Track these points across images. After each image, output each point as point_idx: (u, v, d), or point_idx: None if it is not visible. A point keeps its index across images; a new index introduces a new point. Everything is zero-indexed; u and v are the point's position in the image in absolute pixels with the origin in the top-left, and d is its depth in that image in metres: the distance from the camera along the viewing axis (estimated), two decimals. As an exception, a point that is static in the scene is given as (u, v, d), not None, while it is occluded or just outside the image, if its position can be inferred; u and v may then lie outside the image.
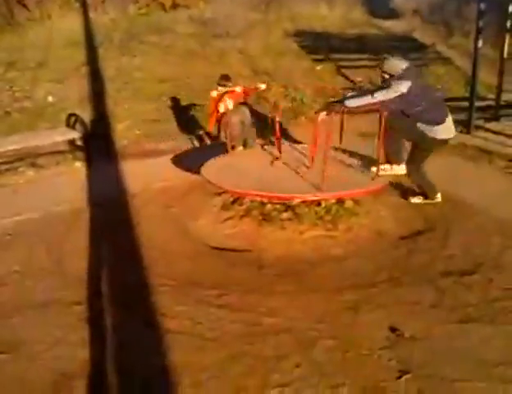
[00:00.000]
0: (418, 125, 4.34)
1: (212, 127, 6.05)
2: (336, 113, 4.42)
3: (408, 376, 2.60)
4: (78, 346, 2.88)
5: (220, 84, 5.89)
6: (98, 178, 5.68)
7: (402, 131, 4.49)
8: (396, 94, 4.17)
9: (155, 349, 2.86)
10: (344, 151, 5.03)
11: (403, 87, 4.17)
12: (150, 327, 3.06)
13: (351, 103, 4.31)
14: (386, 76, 4.33)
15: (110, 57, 8.66)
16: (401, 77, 4.21)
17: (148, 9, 11.15)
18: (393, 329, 3.00)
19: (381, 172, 4.42)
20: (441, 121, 4.34)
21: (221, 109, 5.60)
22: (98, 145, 6.59)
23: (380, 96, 4.20)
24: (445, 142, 4.50)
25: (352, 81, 9.82)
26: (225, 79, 5.94)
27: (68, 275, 3.73)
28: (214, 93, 5.84)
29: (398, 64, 4.28)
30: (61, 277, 3.71)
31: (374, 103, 4.24)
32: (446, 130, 4.40)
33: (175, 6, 11.47)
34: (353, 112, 4.58)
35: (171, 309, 3.21)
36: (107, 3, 10.70)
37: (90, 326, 3.08)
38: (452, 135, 4.48)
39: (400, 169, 4.68)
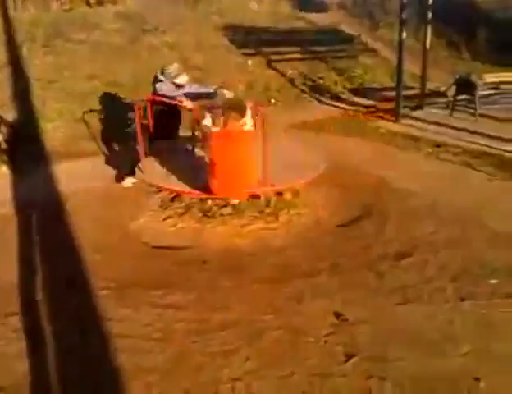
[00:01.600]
0: None
1: None
2: None
3: (354, 359, 2.67)
4: (16, 359, 2.74)
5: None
6: (29, 182, 5.42)
7: None
8: None
9: (102, 354, 2.77)
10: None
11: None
12: (95, 332, 2.96)
13: None
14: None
15: (34, 56, 8.27)
16: None
17: (71, 5, 10.74)
18: (337, 315, 3.07)
19: None
20: None
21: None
22: (26, 147, 6.29)
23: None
24: None
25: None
26: None
27: (0, 284, 3.54)
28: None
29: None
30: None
31: None
32: None
33: (100, 1, 11.12)
34: None
35: (115, 313, 3.13)
36: (27, 0, 10.22)
37: (28, 337, 2.94)
38: None
39: None
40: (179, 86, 5.28)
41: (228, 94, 5.28)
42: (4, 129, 6.54)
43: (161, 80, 5.21)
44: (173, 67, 5.35)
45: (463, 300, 3.16)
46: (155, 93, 5.17)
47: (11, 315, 3.15)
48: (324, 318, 3.05)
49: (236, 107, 4.26)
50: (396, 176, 5.13)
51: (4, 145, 6.20)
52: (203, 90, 5.44)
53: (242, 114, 4.24)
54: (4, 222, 4.48)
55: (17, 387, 2.55)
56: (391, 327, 2.93)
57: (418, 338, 2.81)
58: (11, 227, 4.38)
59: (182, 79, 5.38)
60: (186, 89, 5.31)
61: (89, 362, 2.72)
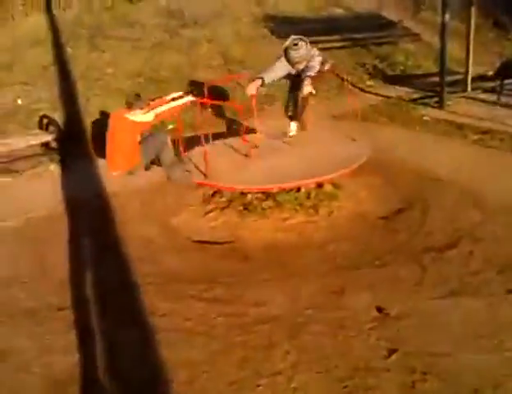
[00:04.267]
0: None
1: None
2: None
3: (397, 354, 2.65)
4: (67, 352, 2.86)
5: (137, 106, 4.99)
6: (76, 179, 5.59)
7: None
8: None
9: (146, 349, 2.86)
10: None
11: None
12: (139, 327, 3.05)
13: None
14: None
15: (78, 55, 8.49)
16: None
17: (113, 2, 10.95)
18: (379, 309, 3.06)
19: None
20: None
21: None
22: (73, 146, 6.49)
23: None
24: None
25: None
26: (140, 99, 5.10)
27: (53, 280, 3.68)
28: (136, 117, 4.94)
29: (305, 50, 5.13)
30: (45, 282, 3.66)
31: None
32: None
33: (141, -3, 11.28)
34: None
35: (158, 307, 3.21)
36: (70, -1, 10.49)
37: (78, 331, 3.06)
38: None
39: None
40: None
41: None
42: (53, 128, 6.76)
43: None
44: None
45: (510, 292, 3.08)
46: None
47: (61, 309, 3.28)
48: (366, 312, 3.04)
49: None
50: (440, 165, 5.01)
51: (54, 144, 6.41)
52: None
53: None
54: (54, 219, 4.64)
55: (67, 380, 2.65)
56: (435, 321, 2.90)
57: (463, 333, 2.77)
58: (61, 224, 4.53)
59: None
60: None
61: (134, 356, 2.81)
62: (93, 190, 5.20)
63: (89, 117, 7.17)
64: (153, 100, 5.23)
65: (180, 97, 5.25)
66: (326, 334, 2.87)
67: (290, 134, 5.43)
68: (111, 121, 5.03)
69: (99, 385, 2.62)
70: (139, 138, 5.01)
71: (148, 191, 5.12)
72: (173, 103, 5.15)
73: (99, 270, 3.74)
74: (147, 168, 5.15)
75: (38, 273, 3.79)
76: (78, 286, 3.55)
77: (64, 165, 5.98)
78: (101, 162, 5.87)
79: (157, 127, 5.61)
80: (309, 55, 5.16)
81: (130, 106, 4.98)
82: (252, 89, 5.12)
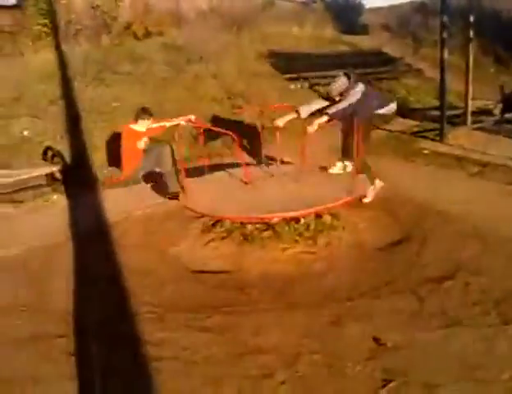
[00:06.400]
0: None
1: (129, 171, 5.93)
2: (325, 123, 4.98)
3: (392, 384, 2.64)
4: (65, 380, 2.86)
5: (140, 118, 5.83)
6: (79, 210, 5.67)
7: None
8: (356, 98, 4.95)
9: (142, 378, 2.85)
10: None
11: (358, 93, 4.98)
12: (136, 356, 3.05)
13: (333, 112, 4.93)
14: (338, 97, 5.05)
15: (85, 89, 8.70)
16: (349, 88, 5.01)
17: (121, 39, 11.24)
18: (376, 340, 3.05)
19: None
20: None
21: (141, 146, 5.69)
22: (76, 177, 6.59)
23: (346, 103, 4.96)
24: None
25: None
26: (145, 112, 5.89)
27: (52, 310, 3.69)
28: (137, 127, 5.84)
29: (340, 83, 5.05)
30: (45, 312, 3.67)
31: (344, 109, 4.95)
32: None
33: (148, 34, 11.58)
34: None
35: (156, 337, 3.21)
36: (79, 35, 10.78)
37: (75, 359, 3.07)
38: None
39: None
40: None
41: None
42: (58, 160, 6.88)
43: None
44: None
45: (506, 324, 3.07)
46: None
47: (60, 337, 3.29)
48: (363, 342, 3.03)
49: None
50: (439, 197, 5.05)
51: (58, 175, 6.51)
52: None
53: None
54: (53, 249, 4.70)
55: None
56: (431, 352, 2.88)
57: (459, 363, 2.75)
58: (61, 254, 4.58)
59: None
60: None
61: (130, 385, 2.81)
62: (95, 220, 5.26)
63: (94, 150, 7.30)
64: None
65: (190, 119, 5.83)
66: (322, 364, 2.86)
67: (330, 170, 5.28)
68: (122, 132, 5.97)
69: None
70: (140, 145, 5.63)
71: (148, 221, 5.19)
72: (172, 122, 5.86)
73: (98, 299, 3.76)
74: (143, 174, 5.90)
75: (37, 303, 3.81)
76: (76, 315, 3.56)
77: (67, 195, 6.07)
78: (104, 193, 5.97)
79: (161, 140, 6.03)
80: (346, 88, 5.05)
81: (137, 118, 5.83)
82: (281, 121, 5.25)
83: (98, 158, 7.20)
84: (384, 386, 2.63)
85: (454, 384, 2.60)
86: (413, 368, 2.76)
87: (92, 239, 4.81)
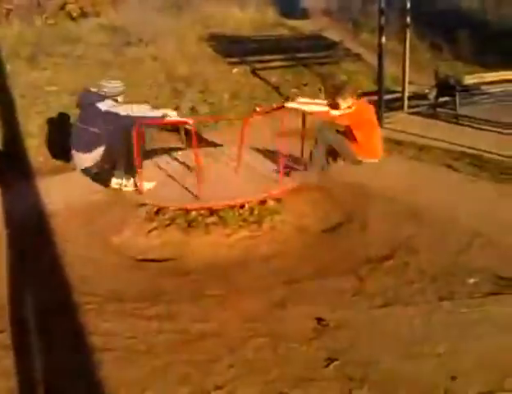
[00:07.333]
0: None
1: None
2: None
3: (336, 363, 2.72)
4: (5, 376, 2.76)
5: None
6: (15, 199, 5.43)
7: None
8: None
9: (86, 368, 2.80)
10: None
11: None
12: (79, 347, 2.99)
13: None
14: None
15: (19, 72, 8.28)
16: None
17: (56, 19, 10.77)
18: (319, 320, 3.13)
19: None
20: None
21: None
22: (11, 164, 6.31)
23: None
24: None
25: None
26: None
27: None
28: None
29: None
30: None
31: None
32: None
33: (83, 14, 11.16)
34: None
35: (99, 327, 3.14)
36: (12, 16, 10.25)
37: (15, 354, 2.96)
38: None
39: None
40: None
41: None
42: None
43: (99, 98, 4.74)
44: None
45: (442, 300, 3.23)
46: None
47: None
48: (306, 323, 3.10)
49: None
50: (378, 180, 5.19)
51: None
52: (150, 114, 4.84)
53: None
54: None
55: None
56: (372, 330, 2.99)
57: (397, 340, 2.87)
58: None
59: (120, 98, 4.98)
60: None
61: (74, 376, 2.75)
62: (33, 209, 5.06)
63: (28, 136, 7.00)
64: None
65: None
66: (267, 347, 2.90)
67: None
68: None
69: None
70: None
71: (89, 210, 5.03)
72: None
73: (38, 292, 3.64)
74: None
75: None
76: (16, 309, 3.44)
77: (2, 185, 5.79)
78: (42, 182, 5.74)
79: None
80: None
81: None
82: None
83: (32, 145, 6.91)
84: (328, 365, 2.70)
85: (392, 360, 2.70)
86: (354, 346, 2.85)
87: (29, 229, 4.63)
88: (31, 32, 9.91)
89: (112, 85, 4.91)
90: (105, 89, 4.83)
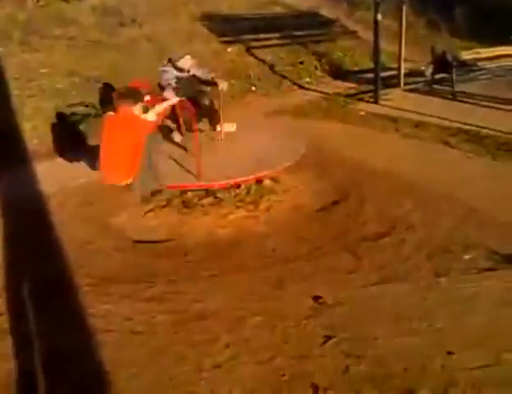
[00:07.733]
0: None
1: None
2: None
3: (333, 340, 2.73)
4: (4, 359, 2.77)
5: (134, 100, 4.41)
6: (11, 182, 5.40)
7: None
8: None
9: (85, 350, 2.81)
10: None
11: None
12: (78, 329, 3.00)
13: None
14: None
15: (11, 55, 8.18)
16: None
17: (47, 1, 10.60)
18: (316, 298, 3.14)
19: None
20: None
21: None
22: (5, 147, 6.26)
23: None
24: None
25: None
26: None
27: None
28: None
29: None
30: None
31: None
32: None
33: (76, -5, 10.98)
34: None
35: (97, 309, 3.15)
36: (2, -2, 10.09)
37: (13, 336, 2.98)
38: None
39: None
40: (181, 70, 5.52)
41: (222, 84, 5.46)
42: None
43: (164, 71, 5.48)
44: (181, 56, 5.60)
45: (438, 276, 3.24)
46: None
47: (-4, 315, 3.18)
48: (303, 301, 3.11)
49: (130, 95, 4.36)
50: (375, 157, 5.19)
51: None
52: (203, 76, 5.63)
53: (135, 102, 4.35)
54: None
55: (2, 387, 2.58)
56: (368, 306, 3.00)
57: (394, 317, 2.88)
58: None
59: (185, 62, 5.53)
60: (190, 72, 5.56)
61: (72, 358, 2.76)
62: (29, 191, 5.05)
63: (24, 119, 6.94)
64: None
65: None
66: (264, 326, 2.91)
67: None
68: (110, 121, 4.38)
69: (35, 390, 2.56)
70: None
71: (85, 191, 5.01)
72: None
73: (36, 274, 3.63)
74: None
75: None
76: (14, 291, 3.44)
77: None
78: (37, 165, 5.72)
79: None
80: None
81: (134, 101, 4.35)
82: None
83: (26, 128, 6.85)
84: (325, 342, 2.72)
85: (389, 336, 2.72)
86: (352, 323, 2.86)
87: (27, 211, 4.61)
88: (23, 14, 9.76)
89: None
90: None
